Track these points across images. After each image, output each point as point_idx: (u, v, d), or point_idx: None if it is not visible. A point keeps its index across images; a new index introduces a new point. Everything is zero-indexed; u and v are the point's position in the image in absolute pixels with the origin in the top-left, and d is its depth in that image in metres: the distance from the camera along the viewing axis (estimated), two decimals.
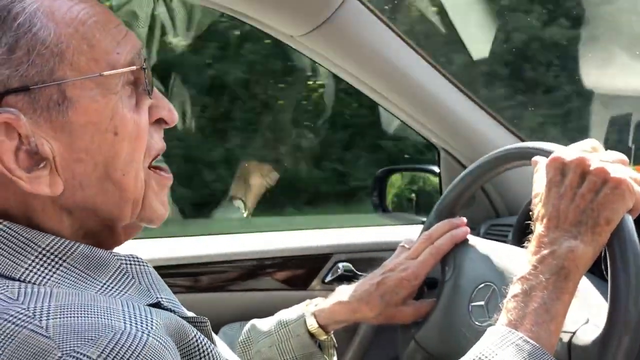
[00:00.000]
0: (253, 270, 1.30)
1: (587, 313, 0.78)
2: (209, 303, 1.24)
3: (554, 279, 0.70)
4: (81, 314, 0.52)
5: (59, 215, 0.60)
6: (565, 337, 0.74)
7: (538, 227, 0.75)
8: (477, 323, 0.90)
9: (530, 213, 0.78)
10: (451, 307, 0.96)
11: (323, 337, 1.02)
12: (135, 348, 0.50)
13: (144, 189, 0.64)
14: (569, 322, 0.73)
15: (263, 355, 1.03)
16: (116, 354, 0.49)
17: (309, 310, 1.03)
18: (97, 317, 0.52)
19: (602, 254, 0.90)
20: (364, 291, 1.00)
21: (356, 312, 1.01)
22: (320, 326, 1.02)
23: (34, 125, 0.57)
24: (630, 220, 0.72)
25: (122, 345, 0.50)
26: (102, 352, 0.49)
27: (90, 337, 0.50)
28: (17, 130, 0.56)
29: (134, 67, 0.62)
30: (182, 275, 1.24)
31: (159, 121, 0.67)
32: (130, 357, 0.50)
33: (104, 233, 0.64)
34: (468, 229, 1.02)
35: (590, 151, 0.77)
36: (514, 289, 0.73)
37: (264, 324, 1.06)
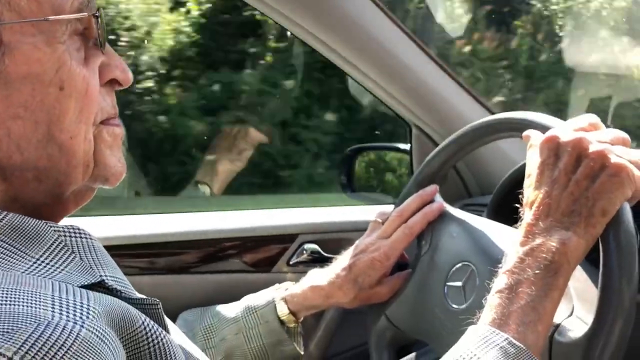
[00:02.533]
0: (214, 251, 1.24)
1: (571, 304, 0.73)
2: (167, 286, 1.18)
3: (542, 274, 0.64)
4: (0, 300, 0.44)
5: None
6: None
7: (527, 214, 0.68)
8: (453, 306, 0.85)
9: (520, 196, 0.71)
10: (425, 285, 0.92)
11: (293, 323, 0.98)
12: (64, 342, 0.42)
13: (95, 144, 0.57)
14: None
15: (228, 342, 0.98)
16: (38, 351, 0.41)
17: (279, 295, 0.99)
18: (19, 305, 0.44)
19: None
20: (337, 275, 0.96)
21: (330, 298, 0.96)
22: (291, 312, 0.97)
23: None
24: (628, 210, 0.66)
25: (47, 340, 0.41)
26: (19, 349, 0.40)
27: (6, 330, 0.41)
28: None
29: (84, 14, 0.55)
30: (138, 256, 1.18)
31: (112, 82, 0.59)
32: (56, 353, 0.41)
33: (47, 202, 0.56)
34: (441, 205, 0.97)
35: (589, 129, 0.70)
36: (499, 283, 0.66)
37: (230, 309, 1.01)
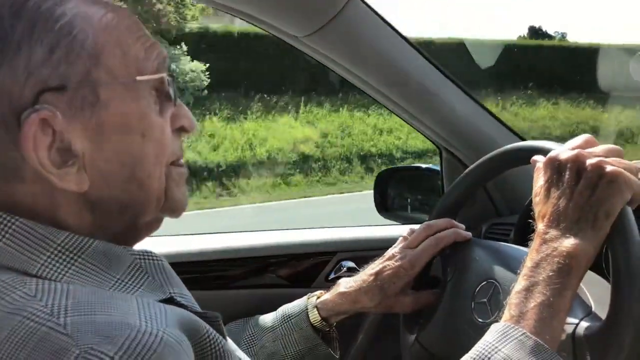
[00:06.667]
0: (257, 267, 1.31)
1: (590, 304, 0.79)
2: (213, 300, 1.24)
3: (556, 276, 0.71)
4: (98, 311, 0.53)
5: (81, 212, 0.62)
6: (569, 329, 0.74)
7: (539, 226, 0.76)
8: (479, 320, 0.91)
9: (532, 213, 0.79)
10: (454, 307, 0.97)
11: (326, 329, 1.04)
12: (151, 345, 0.51)
13: (166, 182, 0.66)
14: (571, 314, 0.74)
15: (267, 350, 1.05)
16: (132, 351, 0.50)
17: (311, 302, 1.05)
18: (114, 315, 0.53)
19: (603, 252, 0.91)
20: (363, 281, 1.02)
21: (356, 303, 1.02)
22: (323, 318, 1.03)
23: (68, 123, 0.59)
24: (629, 211, 0.73)
25: (139, 343, 0.51)
26: (119, 350, 0.50)
27: (107, 335, 0.51)
28: (52, 127, 0.58)
29: (163, 75, 0.65)
30: (185, 273, 1.23)
31: (179, 130, 0.69)
32: (146, 354, 0.50)
33: (124, 230, 0.65)
34: (470, 233, 1.03)
35: (585, 146, 0.78)
36: (517, 286, 0.74)
37: (268, 319, 1.08)
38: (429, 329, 1.00)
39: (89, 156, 0.60)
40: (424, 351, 1.01)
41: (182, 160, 0.70)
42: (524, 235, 1.04)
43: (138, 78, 0.62)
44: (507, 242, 1.13)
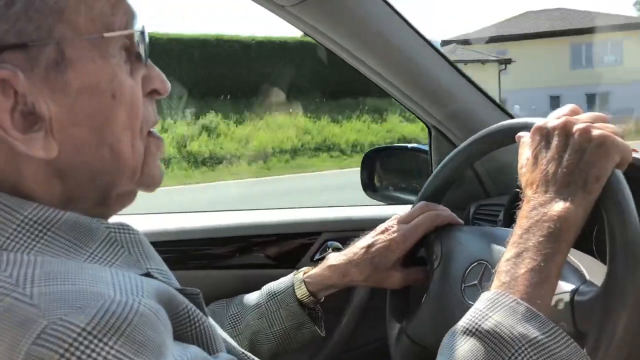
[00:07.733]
0: (241, 247, 1.29)
1: (583, 274, 0.78)
2: (196, 280, 1.22)
3: (546, 241, 0.70)
4: (68, 281, 0.50)
5: (49, 181, 0.58)
6: (566, 297, 0.73)
7: (528, 193, 0.75)
8: (471, 303, 0.87)
9: (519, 182, 0.77)
10: (442, 294, 0.94)
11: (313, 305, 1.02)
12: (126, 317, 0.48)
13: (144, 156, 0.63)
14: (566, 283, 0.73)
15: (252, 328, 1.03)
16: (106, 323, 0.47)
17: (298, 278, 1.03)
18: (85, 285, 0.50)
19: (594, 233, 0.89)
20: (354, 254, 1.00)
21: (345, 276, 1.00)
22: (310, 293, 1.01)
23: (31, 84, 0.55)
24: (620, 174, 0.73)
25: (112, 314, 0.48)
26: (90, 321, 0.47)
27: (78, 305, 0.47)
28: (13, 89, 0.54)
29: (132, 31, 0.60)
30: (168, 252, 1.21)
31: (151, 93, 0.64)
32: (120, 326, 0.47)
33: (96, 201, 0.61)
34: (462, 222, 1.01)
35: (571, 115, 0.78)
36: (506, 254, 0.72)
37: (252, 297, 1.06)
38: (418, 321, 0.97)
39: (57, 120, 0.56)
40: (414, 344, 0.97)
41: (157, 130, 0.66)
42: (513, 217, 1.02)
43: (105, 34, 0.58)
44: (496, 224, 1.12)
